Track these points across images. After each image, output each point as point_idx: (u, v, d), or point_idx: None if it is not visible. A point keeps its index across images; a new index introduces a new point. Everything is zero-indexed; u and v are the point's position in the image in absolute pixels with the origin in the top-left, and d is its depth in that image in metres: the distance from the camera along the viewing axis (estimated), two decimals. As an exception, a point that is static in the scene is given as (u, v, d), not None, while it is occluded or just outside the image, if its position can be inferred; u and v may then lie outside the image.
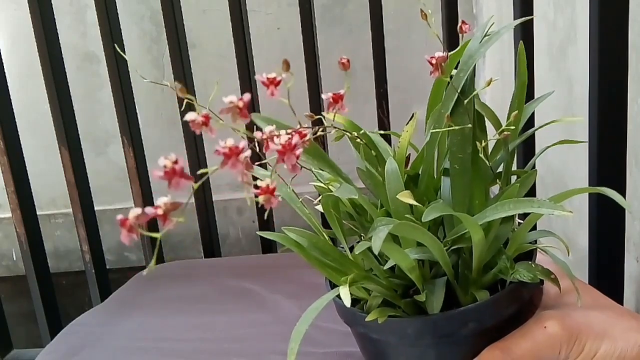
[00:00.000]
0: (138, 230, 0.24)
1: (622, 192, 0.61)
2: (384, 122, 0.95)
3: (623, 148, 0.60)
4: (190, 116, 0.28)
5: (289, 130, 0.30)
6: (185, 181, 0.25)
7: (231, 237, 1.44)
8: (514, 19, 0.73)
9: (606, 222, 0.62)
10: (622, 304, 0.66)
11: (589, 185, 0.62)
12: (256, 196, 0.28)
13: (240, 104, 0.29)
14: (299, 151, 0.29)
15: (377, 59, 0.94)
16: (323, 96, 0.34)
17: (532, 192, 0.76)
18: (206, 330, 0.73)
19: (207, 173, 0.27)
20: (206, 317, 0.76)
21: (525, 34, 0.72)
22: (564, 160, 0.91)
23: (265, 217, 0.96)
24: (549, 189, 0.98)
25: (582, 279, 0.64)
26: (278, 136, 0.29)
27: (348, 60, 0.36)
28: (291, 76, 0.31)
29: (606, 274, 0.63)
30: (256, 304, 0.78)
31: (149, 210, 0.25)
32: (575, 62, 0.85)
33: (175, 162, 0.25)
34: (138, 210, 0.24)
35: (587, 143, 0.62)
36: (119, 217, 0.24)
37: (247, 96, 0.29)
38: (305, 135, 0.30)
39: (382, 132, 0.44)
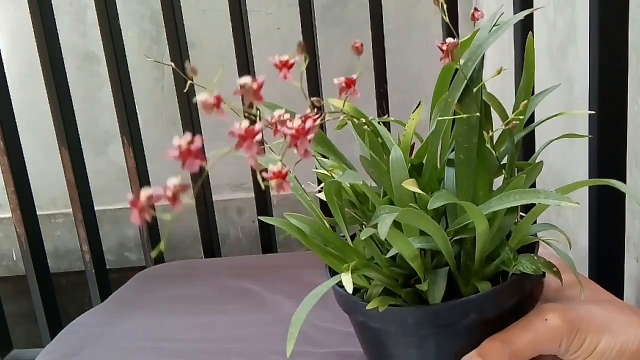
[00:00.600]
0: (150, 211, 0.24)
1: (622, 193, 0.61)
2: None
3: (623, 148, 0.60)
4: (201, 97, 0.27)
5: (298, 115, 0.29)
6: (199, 162, 0.25)
7: (231, 237, 1.44)
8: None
9: (606, 222, 0.62)
10: (622, 303, 0.66)
11: (589, 187, 0.62)
12: (266, 180, 0.27)
13: (255, 86, 0.28)
14: (311, 136, 0.29)
15: (377, 59, 0.94)
16: (335, 81, 0.34)
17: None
18: (206, 330, 0.73)
19: (221, 156, 0.27)
20: (206, 317, 0.76)
21: (525, 34, 0.72)
22: (564, 160, 0.91)
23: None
24: (550, 188, 0.98)
25: (582, 278, 0.64)
26: (290, 120, 0.29)
27: (362, 44, 0.35)
28: (305, 59, 0.30)
29: (606, 274, 0.63)
30: (256, 304, 0.78)
31: (158, 190, 0.24)
32: (575, 62, 0.85)
33: (191, 141, 0.25)
34: (150, 191, 0.24)
35: (588, 142, 0.62)
36: (129, 197, 0.24)
37: (261, 78, 0.28)
38: (316, 119, 0.29)
39: (384, 119, 0.44)
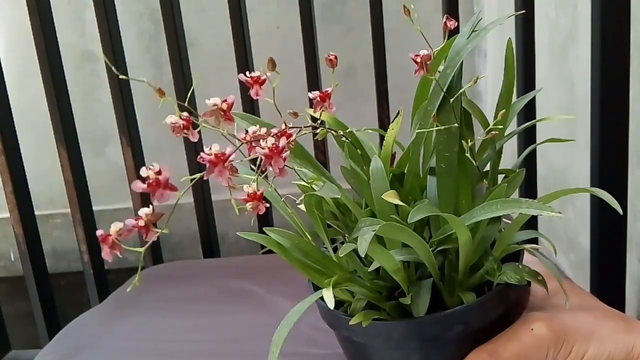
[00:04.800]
0: (121, 247, 0.23)
1: (624, 192, 0.61)
2: (384, 121, 0.95)
3: (625, 147, 0.60)
4: (170, 119, 0.27)
5: (273, 131, 0.28)
6: (170, 192, 0.24)
7: (230, 237, 1.43)
8: (516, 18, 0.72)
9: (607, 223, 0.61)
10: (623, 304, 0.66)
11: (591, 185, 0.62)
12: (241, 204, 0.27)
13: (225, 107, 0.27)
14: (286, 154, 0.28)
15: (377, 58, 0.94)
16: (310, 95, 0.33)
17: (533, 193, 0.76)
18: (205, 331, 0.73)
19: (193, 180, 0.26)
20: (205, 318, 0.76)
21: (526, 33, 0.71)
22: (566, 161, 0.90)
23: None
24: (551, 190, 0.98)
25: (584, 279, 0.64)
26: (264, 139, 0.28)
27: (336, 57, 0.35)
28: (277, 75, 0.30)
29: (608, 275, 0.63)
30: (256, 305, 0.77)
31: (129, 222, 0.23)
32: (577, 61, 0.84)
33: (159, 172, 0.24)
34: (119, 225, 0.23)
35: (590, 143, 0.61)
36: (99, 233, 0.23)
37: (231, 98, 0.28)
38: (291, 135, 0.29)
39: (369, 129, 0.44)
